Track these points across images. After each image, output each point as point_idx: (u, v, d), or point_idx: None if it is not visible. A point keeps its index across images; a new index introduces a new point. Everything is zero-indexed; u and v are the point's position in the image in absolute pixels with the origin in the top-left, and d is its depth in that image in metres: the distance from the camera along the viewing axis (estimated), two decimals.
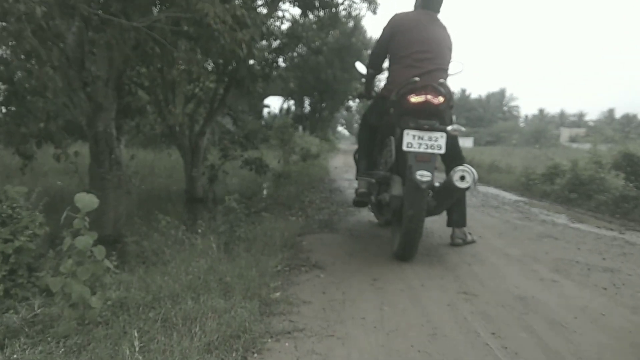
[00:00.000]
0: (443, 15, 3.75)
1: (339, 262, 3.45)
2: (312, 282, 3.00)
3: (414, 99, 3.25)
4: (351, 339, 2.14)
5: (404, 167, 3.19)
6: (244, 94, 9.05)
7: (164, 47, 4.47)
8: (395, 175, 3.41)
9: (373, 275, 3.09)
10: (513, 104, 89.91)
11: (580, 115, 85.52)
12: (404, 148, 3.15)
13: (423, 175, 3.01)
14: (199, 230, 4.52)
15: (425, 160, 3.10)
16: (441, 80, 3.29)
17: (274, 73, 9.08)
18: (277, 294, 2.68)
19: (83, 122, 5.46)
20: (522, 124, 76.08)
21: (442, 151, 3.17)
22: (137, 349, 1.91)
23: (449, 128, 3.22)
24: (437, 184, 3.31)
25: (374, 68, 4.02)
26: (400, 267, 3.28)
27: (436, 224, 4.83)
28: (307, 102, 32.82)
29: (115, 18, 4.26)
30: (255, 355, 1.97)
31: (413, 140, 3.15)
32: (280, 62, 10.22)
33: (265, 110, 33.71)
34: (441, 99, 3.27)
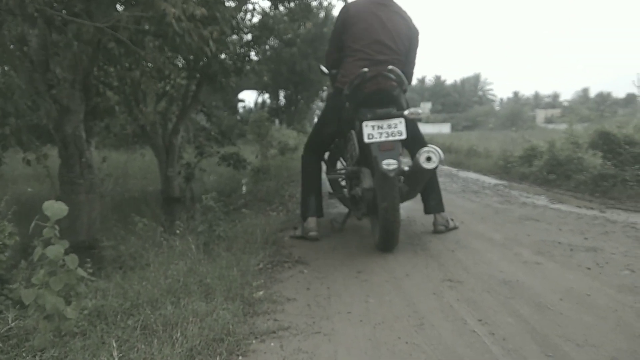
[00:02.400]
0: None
1: (323, 257, 3.40)
2: (296, 279, 2.94)
3: (367, 89, 3.25)
4: (337, 334, 2.10)
5: (370, 159, 3.17)
6: (217, 90, 8.91)
7: (129, 47, 4.34)
8: (364, 168, 3.38)
9: (357, 268, 3.05)
10: (488, 88, 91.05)
11: (555, 96, 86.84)
12: (366, 140, 3.13)
13: (389, 164, 2.99)
14: (177, 232, 4.43)
15: (388, 148, 3.08)
16: (390, 67, 3.27)
17: (247, 67, 8.94)
18: (260, 293, 2.61)
19: (50, 125, 5.29)
20: (497, 108, 77.07)
21: (404, 137, 3.15)
22: (116, 359, 1.84)
23: (406, 112, 3.21)
24: (406, 168, 3.29)
25: (334, 67, 3.93)
26: (384, 258, 3.25)
27: (418, 212, 4.82)
28: (282, 94, 32.58)
29: (77, 19, 4.11)
30: (240, 357, 1.91)
31: (373, 131, 3.13)
32: (253, 55, 10.09)
33: (240, 105, 33.42)
34: (394, 84, 3.27)
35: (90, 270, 3.01)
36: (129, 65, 5.39)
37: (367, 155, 3.20)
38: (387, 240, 3.28)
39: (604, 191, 5.33)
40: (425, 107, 70.94)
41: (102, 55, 4.91)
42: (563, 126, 9.10)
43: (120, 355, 1.87)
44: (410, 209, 5.14)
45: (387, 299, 2.50)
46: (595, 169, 5.76)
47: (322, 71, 4.06)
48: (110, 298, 2.48)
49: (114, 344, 1.91)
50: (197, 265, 2.94)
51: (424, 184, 3.41)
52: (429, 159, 2.98)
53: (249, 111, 32.96)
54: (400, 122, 3.15)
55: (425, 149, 2.99)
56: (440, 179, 7.58)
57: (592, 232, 3.59)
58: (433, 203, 3.83)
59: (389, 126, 3.13)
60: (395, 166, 2.99)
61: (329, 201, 5.77)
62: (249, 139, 14.30)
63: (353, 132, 3.45)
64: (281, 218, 5.00)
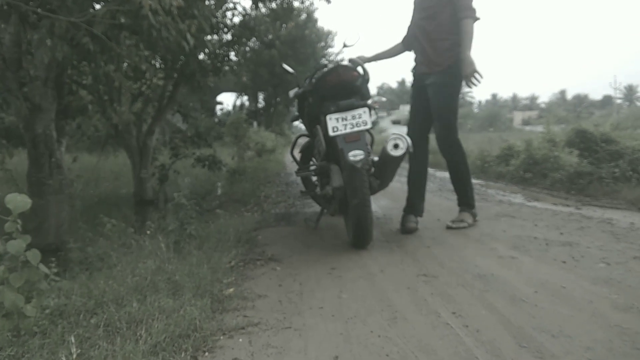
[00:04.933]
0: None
1: (296, 254, 3.33)
2: (268, 276, 2.87)
3: (329, 82, 3.23)
4: (309, 329, 2.03)
5: (338, 153, 3.12)
6: (195, 90, 8.78)
7: (105, 44, 4.21)
8: (334, 165, 3.32)
9: (331, 265, 2.99)
10: (467, 90, 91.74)
11: (533, 98, 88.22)
12: (331, 133, 3.09)
13: (356, 155, 2.95)
14: (148, 232, 4.32)
15: (354, 139, 3.04)
16: (350, 58, 3.27)
17: (226, 67, 8.83)
18: (231, 290, 2.54)
19: (20, 124, 5.13)
20: (476, 110, 77.97)
21: (369, 126, 3.13)
22: (74, 356, 1.75)
23: (370, 102, 3.19)
24: (376, 159, 3.25)
25: None
26: (358, 255, 3.19)
27: (395, 211, 4.78)
28: (261, 97, 32.43)
29: (52, 15, 3.99)
30: (207, 354, 1.84)
31: (338, 124, 3.09)
32: (232, 56, 9.97)
33: (218, 107, 33.15)
34: (355, 75, 3.25)
35: (55, 270, 2.90)
36: (104, 62, 5.26)
37: (335, 149, 3.15)
38: (361, 236, 3.23)
39: (580, 189, 5.35)
40: (404, 110, 71.34)
41: (77, 52, 4.76)
42: (540, 128, 9.17)
43: (80, 352, 1.78)
44: (388, 207, 5.11)
45: (360, 294, 2.44)
46: (571, 167, 5.78)
47: (285, 70, 3.99)
48: (74, 297, 2.39)
49: (73, 341, 1.82)
50: (166, 264, 2.86)
51: (393, 174, 3.38)
52: (396, 146, 2.96)
53: (226, 114, 32.68)
54: (365, 112, 3.12)
55: (392, 136, 2.97)
56: None
57: (568, 228, 3.58)
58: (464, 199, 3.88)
59: (353, 117, 3.09)
60: (362, 157, 2.95)
61: (305, 201, 5.75)
62: (227, 141, 14.17)
63: (318, 127, 3.40)
64: (256, 218, 4.93)
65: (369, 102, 3.19)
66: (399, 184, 7.25)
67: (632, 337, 1.79)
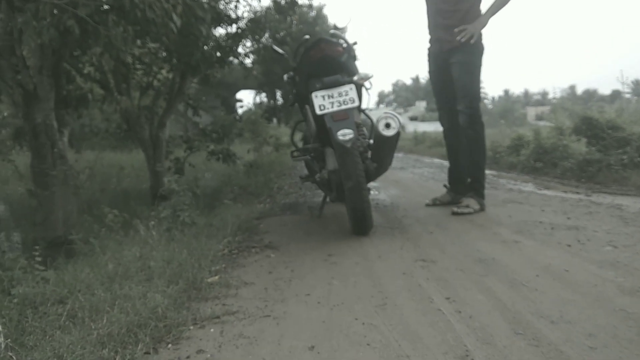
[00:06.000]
0: None
1: (294, 242, 3.21)
2: (260, 263, 2.75)
3: (312, 58, 3.12)
4: (289, 317, 1.90)
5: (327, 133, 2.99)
6: (203, 81, 8.68)
7: (96, 29, 4.09)
8: (328, 148, 3.19)
9: (328, 252, 2.85)
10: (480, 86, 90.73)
11: (544, 94, 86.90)
12: (318, 112, 2.95)
13: (345, 134, 2.81)
14: (152, 223, 4.24)
15: (342, 118, 2.89)
16: (332, 31, 3.12)
17: (231, 58, 8.71)
18: (216, 277, 2.43)
19: (19, 114, 5.08)
20: (489, 106, 77.30)
21: (356, 103, 2.98)
22: (2, 345, 1.66)
23: (356, 78, 3.05)
24: (371, 142, 3.11)
25: None
26: (359, 241, 3.05)
27: (402, 199, 4.64)
28: (279, 94, 32.32)
29: None
30: (170, 345, 1.70)
31: (324, 102, 2.95)
32: (240, 49, 9.87)
33: (238, 105, 33.22)
34: (339, 50, 3.12)
35: (39, 259, 2.83)
36: (101, 50, 5.15)
37: (325, 129, 3.02)
38: (360, 222, 3.10)
39: (590, 176, 5.16)
40: (420, 106, 71.05)
41: (64, 36, 4.64)
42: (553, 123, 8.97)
43: (31, 343, 1.69)
44: (397, 195, 4.97)
45: (352, 280, 2.31)
46: (580, 155, 5.60)
47: (275, 51, 3.85)
48: (49, 286, 2.28)
49: (0, 329, 1.71)
50: (153, 251, 2.75)
51: (390, 156, 3.24)
52: (387, 125, 2.82)
53: (248, 111, 32.74)
54: (351, 89, 2.98)
55: (384, 115, 2.83)
56: (430, 170, 7.50)
57: (576, 213, 3.40)
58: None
59: (340, 94, 2.96)
60: (351, 135, 2.80)
61: (315, 191, 5.63)
62: (246, 137, 14.19)
63: (307, 107, 3.26)
64: (263, 208, 4.83)
65: (355, 78, 3.04)
66: (410, 174, 7.14)
67: (637, 323, 1.63)
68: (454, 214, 3.58)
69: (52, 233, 5.28)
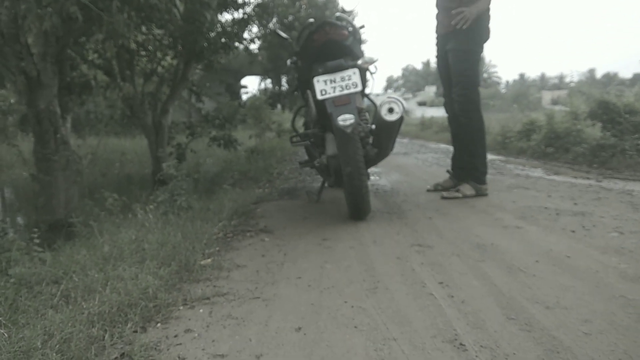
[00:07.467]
0: None
1: (291, 226, 3.16)
2: (254, 247, 2.71)
3: (316, 42, 3.01)
4: (278, 299, 1.86)
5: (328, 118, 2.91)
6: (207, 68, 8.61)
7: (99, 16, 4.05)
8: (328, 134, 3.12)
9: (324, 236, 2.80)
10: (493, 70, 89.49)
11: (561, 78, 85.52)
12: (319, 97, 2.87)
13: (345, 119, 2.72)
14: (151, 206, 4.22)
15: (344, 103, 2.81)
16: (338, 14, 3.01)
17: (236, 44, 8.63)
18: (209, 260, 2.39)
19: (23, 100, 5.06)
20: (503, 90, 76.31)
21: (359, 88, 2.88)
22: None
23: (360, 62, 2.97)
24: (373, 127, 3.03)
25: None
26: (355, 226, 3.00)
27: (403, 185, 4.57)
28: (284, 79, 32.15)
29: None
30: (159, 325, 1.68)
31: (326, 86, 2.87)
32: (246, 35, 9.77)
33: (243, 91, 33.11)
34: (345, 33, 3.02)
35: (37, 241, 2.82)
36: (103, 37, 5.11)
37: (326, 115, 2.95)
38: (357, 207, 3.03)
39: (602, 162, 5.03)
40: (430, 91, 70.31)
41: (73, 25, 4.63)
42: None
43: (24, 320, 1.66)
44: (398, 181, 4.90)
45: (345, 264, 2.26)
46: (594, 140, 5.45)
47: (279, 35, 3.76)
48: (45, 267, 2.27)
49: None
50: (149, 234, 2.72)
51: (392, 141, 3.16)
52: (390, 110, 2.74)
53: (252, 97, 32.62)
54: (355, 73, 2.89)
55: (387, 99, 2.74)
56: (435, 155, 7.40)
57: (584, 199, 3.31)
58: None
59: (342, 79, 2.87)
60: (352, 121, 2.72)
61: (315, 177, 5.58)
62: (249, 123, 14.13)
63: (309, 92, 3.19)
64: (261, 192, 4.79)
65: (359, 62, 2.95)
66: (413, 159, 7.05)
67: (637, 309, 1.56)
68: (443, 198, 3.57)
69: (53, 216, 5.29)
